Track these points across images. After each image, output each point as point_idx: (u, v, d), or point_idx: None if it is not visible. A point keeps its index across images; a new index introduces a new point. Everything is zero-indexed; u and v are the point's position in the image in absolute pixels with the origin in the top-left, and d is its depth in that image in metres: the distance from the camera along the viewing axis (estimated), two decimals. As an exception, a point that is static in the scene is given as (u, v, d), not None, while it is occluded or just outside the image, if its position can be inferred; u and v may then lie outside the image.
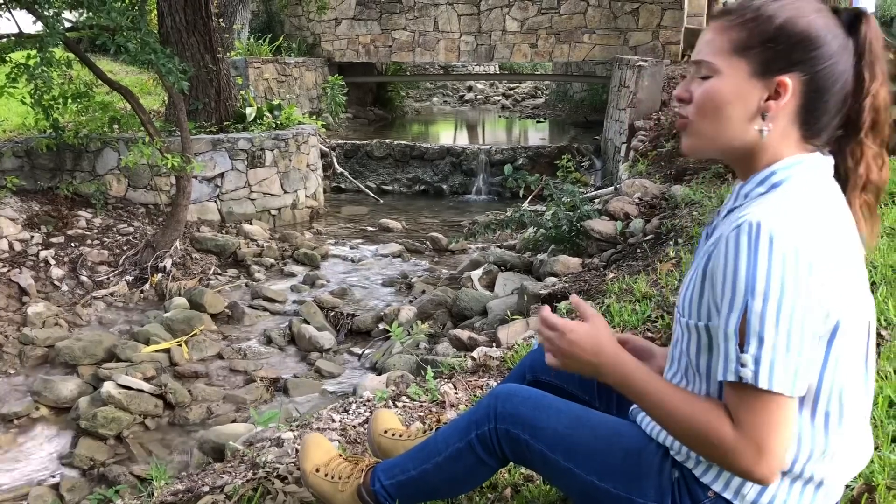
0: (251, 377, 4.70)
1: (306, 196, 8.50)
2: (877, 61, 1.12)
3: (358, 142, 10.90)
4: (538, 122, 15.85)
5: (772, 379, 1.02)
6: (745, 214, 1.07)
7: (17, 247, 6.19)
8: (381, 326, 5.25)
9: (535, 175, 6.68)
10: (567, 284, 4.16)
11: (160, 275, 6.25)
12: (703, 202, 4.82)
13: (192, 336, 5.18)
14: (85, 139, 7.11)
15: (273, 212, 8.11)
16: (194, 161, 6.46)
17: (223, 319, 5.69)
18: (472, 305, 5.00)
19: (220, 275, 6.60)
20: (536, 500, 1.69)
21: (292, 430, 2.38)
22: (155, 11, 8.09)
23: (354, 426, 2.30)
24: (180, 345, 5.02)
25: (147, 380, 4.48)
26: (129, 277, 6.26)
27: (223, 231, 7.50)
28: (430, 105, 19.31)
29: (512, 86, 21.29)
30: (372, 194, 10.07)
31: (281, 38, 12.83)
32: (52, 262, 6.15)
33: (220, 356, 5.04)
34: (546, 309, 1.27)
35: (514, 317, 3.76)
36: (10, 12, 5.88)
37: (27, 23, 6.15)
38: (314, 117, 10.65)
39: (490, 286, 5.39)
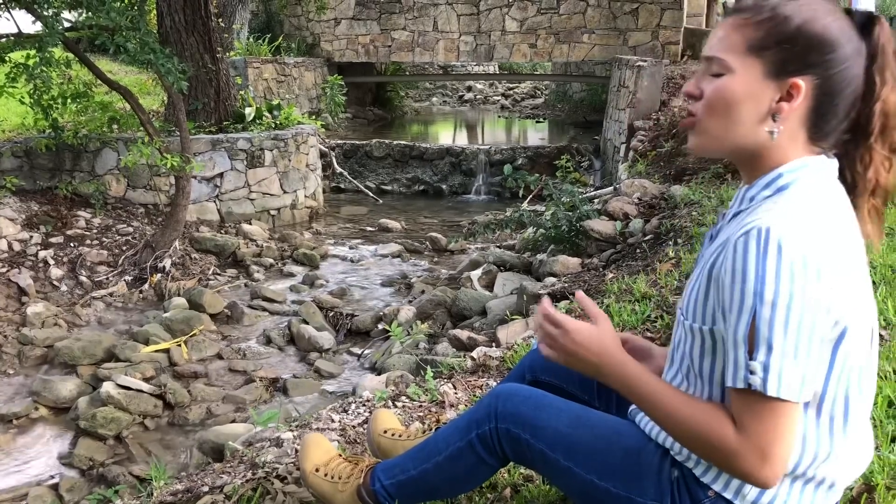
0: (250, 377, 4.69)
1: (305, 196, 8.50)
2: (888, 66, 1.11)
3: (357, 142, 10.90)
4: (537, 122, 15.85)
5: (780, 386, 1.02)
6: (753, 220, 1.06)
7: (17, 247, 6.19)
8: (380, 326, 5.25)
9: (534, 175, 6.69)
10: (566, 284, 4.16)
11: (159, 275, 6.25)
12: (703, 202, 4.82)
13: (191, 336, 5.18)
14: (84, 139, 7.11)
15: (272, 212, 8.11)
16: (193, 161, 6.46)
17: (222, 319, 5.69)
18: (472, 305, 5.00)
19: (219, 275, 6.60)
20: (536, 501, 1.69)
21: (292, 431, 2.38)
22: (154, 11, 8.09)
23: (354, 426, 2.30)
24: (180, 345, 5.02)
25: (146, 380, 4.48)
26: (128, 277, 6.25)
27: (222, 231, 7.50)
28: (430, 105, 19.31)
29: (511, 86, 21.30)
30: (371, 194, 10.07)
31: (280, 38, 12.83)
32: (52, 262, 6.15)
33: (219, 356, 5.04)
34: (547, 301, 1.26)
35: (514, 317, 3.76)
36: (9, 12, 5.88)
37: (26, 23, 6.16)
38: (313, 117, 10.65)
39: (489, 286, 5.39)
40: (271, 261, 6.97)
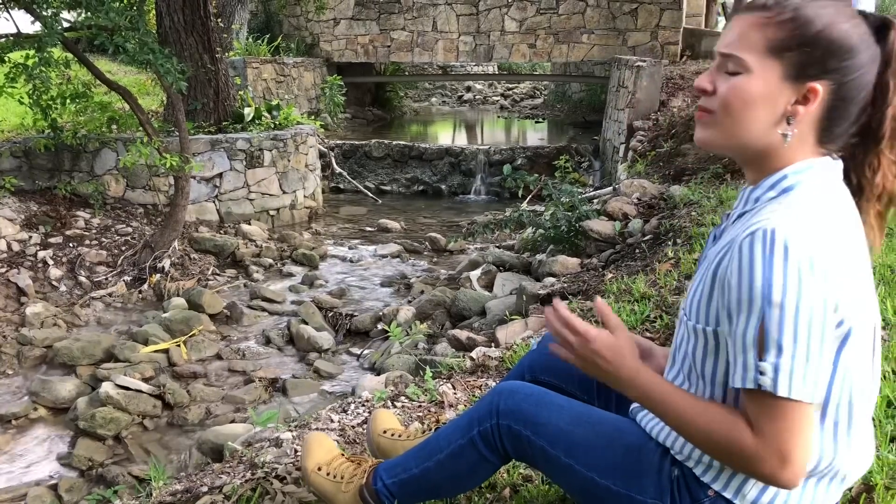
0: (250, 377, 4.69)
1: (305, 196, 8.50)
2: None
3: (356, 142, 10.89)
4: (537, 122, 15.86)
5: (791, 387, 1.02)
6: (759, 221, 1.06)
7: (16, 247, 6.19)
8: (379, 327, 5.25)
9: (533, 175, 6.69)
10: (566, 285, 4.16)
11: (158, 275, 6.25)
12: (702, 202, 4.83)
13: (190, 336, 5.17)
14: (83, 139, 7.10)
15: (272, 212, 8.11)
16: (193, 161, 6.46)
17: (222, 320, 5.69)
18: (471, 306, 5.00)
19: (218, 275, 6.60)
20: (535, 501, 1.69)
21: (291, 431, 2.38)
22: (153, 11, 8.09)
23: (353, 426, 2.29)
24: (179, 345, 5.01)
25: (145, 380, 4.47)
26: (127, 278, 6.25)
27: (222, 231, 7.50)
28: (429, 105, 19.32)
29: (511, 86, 21.29)
30: (370, 194, 10.07)
31: (279, 39, 12.82)
32: (51, 262, 6.15)
33: (218, 356, 5.04)
34: (562, 305, 1.25)
35: (513, 317, 3.76)
36: (8, 12, 5.87)
37: (25, 23, 6.15)
38: (313, 117, 10.65)
39: (489, 286, 5.39)
40: (270, 261, 6.97)
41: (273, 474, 2.01)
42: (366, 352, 5.03)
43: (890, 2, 13.45)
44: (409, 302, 5.70)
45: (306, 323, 5.39)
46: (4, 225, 6.28)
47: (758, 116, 1.11)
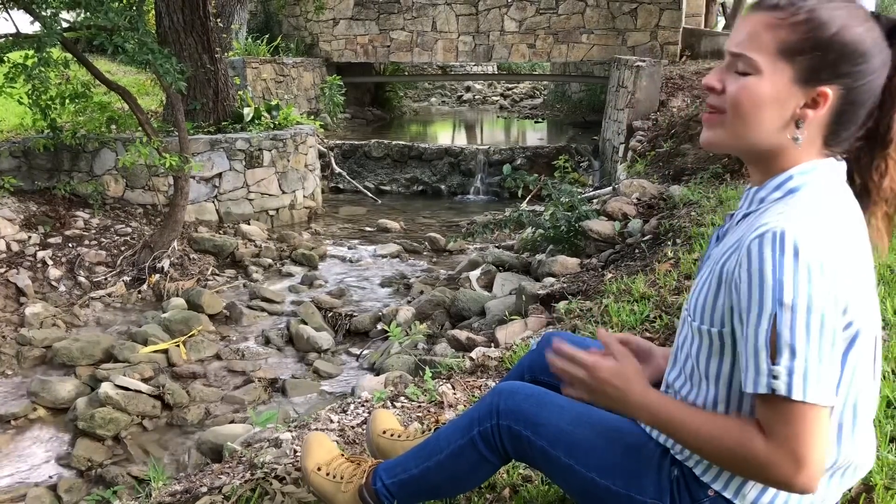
0: (249, 378, 4.69)
1: (304, 196, 8.50)
2: None
3: (356, 142, 10.89)
4: (536, 122, 15.85)
5: (806, 390, 1.01)
6: (766, 222, 1.05)
7: (15, 247, 6.19)
8: (379, 327, 5.24)
9: (533, 175, 6.70)
10: (565, 285, 4.16)
11: (158, 275, 6.25)
12: (702, 202, 4.83)
13: (189, 337, 5.17)
14: (82, 139, 7.10)
15: (271, 212, 8.11)
16: (192, 161, 6.46)
17: (221, 320, 5.68)
18: (471, 306, 4.99)
19: (217, 275, 6.60)
20: (535, 501, 1.68)
21: (290, 431, 2.38)
22: (153, 11, 8.08)
23: (353, 427, 2.29)
24: (178, 345, 5.01)
25: (145, 380, 4.47)
26: (126, 278, 6.25)
27: (221, 231, 7.49)
28: (429, 105, 19.31)
29: (510, 86, 21.29)
30: (370, 194, 10.06)
31: (279, 39, 12.82)
32: (50, 262, 6.14)
33: (218, 357, 5.04)
34: (565, 343, 1.27)
35: (513, 317, 3.76)
36: (7, 12, 5.87)
37: (25, 23, 6.14)
38: (312, 117, 10.64)
39: (488, 286, 5.39)
40: (270, 261, 6.97)
41: (272, 475, 2.01)
42: (365, 352, 5.03)
43: (890, 2, 13.45)
44: (409, 302, 5.70)
45: (306, 323, 5.39)
46: (4, 225, 6.28)
47: (766, 118, 1.10)
